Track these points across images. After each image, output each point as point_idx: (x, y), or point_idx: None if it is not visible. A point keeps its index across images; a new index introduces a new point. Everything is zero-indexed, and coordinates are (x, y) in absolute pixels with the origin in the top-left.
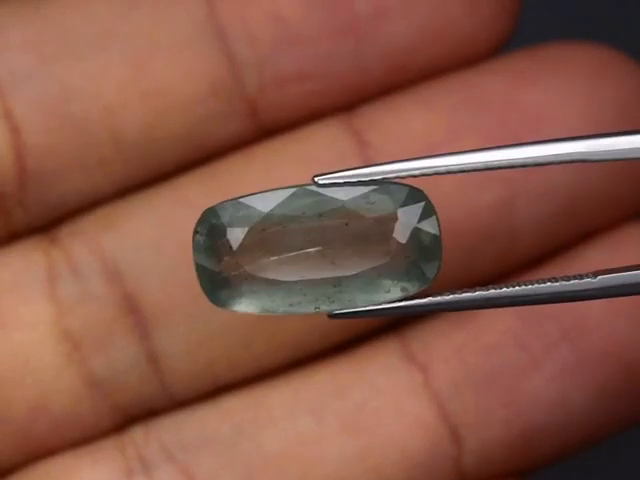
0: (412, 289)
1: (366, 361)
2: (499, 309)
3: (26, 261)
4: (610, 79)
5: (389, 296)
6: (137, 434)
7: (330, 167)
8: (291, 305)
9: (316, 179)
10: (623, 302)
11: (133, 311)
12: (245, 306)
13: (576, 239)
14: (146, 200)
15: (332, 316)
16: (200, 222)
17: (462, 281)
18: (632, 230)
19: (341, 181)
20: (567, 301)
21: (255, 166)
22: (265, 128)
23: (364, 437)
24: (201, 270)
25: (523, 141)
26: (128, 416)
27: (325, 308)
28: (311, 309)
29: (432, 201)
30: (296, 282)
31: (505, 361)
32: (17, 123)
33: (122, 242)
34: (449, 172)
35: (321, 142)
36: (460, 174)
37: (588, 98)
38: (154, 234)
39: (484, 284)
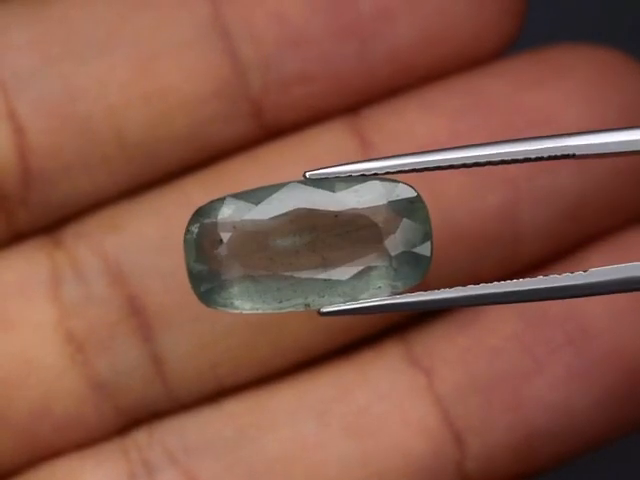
0: (402, 287)
1: (369, 364)
2: (501, 311)
3: (29, 263)
4: (614, 81)
5: (379, 293)
6: (140, 437)
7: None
8: (281, 302)
9: (307, 174)
10: (627, 307)
11: (136, 313)
12: (235, 305)
13: (580, 242)
14: (149, 201)
15: (322, 314)
16: (191, 222)
17: (465, 284)
18: (635, 233)
19: (331, 175)
20: (559, 297)
21: (259, 167)
22: (269, 129)
23: (367, 441)
24: (191, 270)
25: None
26: (131, 418)
27: (316, 305)
28: (301, 307)
29: (424, 198)
30: (286, 278)
31: (509, 365)
32: (21, 123)
33: (125, 244)
34: (438, 168)
35: (325, 143)
36: (450, 170)
37: (592, 100)
38: (157, 235)
39: None
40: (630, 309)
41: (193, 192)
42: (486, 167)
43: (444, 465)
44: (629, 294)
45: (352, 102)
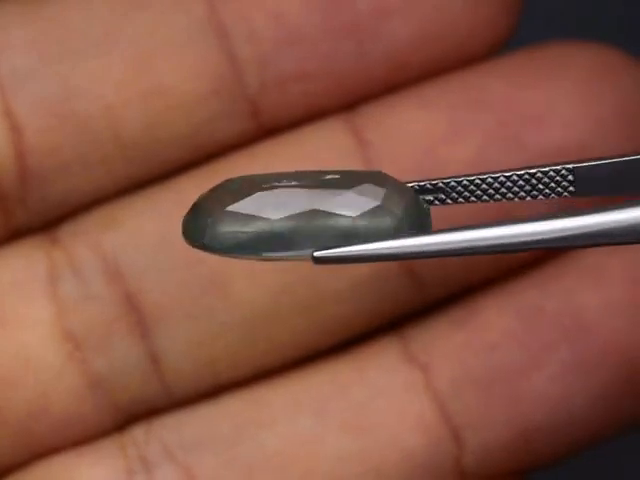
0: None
1: (367, 361)
2: (498, 306)
3: (27, 261)
4: (610, 78)
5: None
6: (138, 433)
7: (331, 167)
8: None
9: (315, 254)
10: (624, 301)
11: (134, 310)
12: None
13: None
14: (147, 200)
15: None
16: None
17: (462, 282)
18: None
19: (340, 256)
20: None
21: (256, 166)
22: (266, 128)
23: (365, 437)
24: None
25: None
26: (129, 415)
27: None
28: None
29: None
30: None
31: (505, 361)
32: (18, 122)
33: (123, 242)
34: (442, 255)
35: (322, 142)
36: (458, 257)
37: (588, 97)
38: (155, 234)
39: (483, 285)
40: (626, 303)
41: (191, 190)
42: (483, 162)
43: (442, 461)
44: (626, 287)
45: (349, 100)
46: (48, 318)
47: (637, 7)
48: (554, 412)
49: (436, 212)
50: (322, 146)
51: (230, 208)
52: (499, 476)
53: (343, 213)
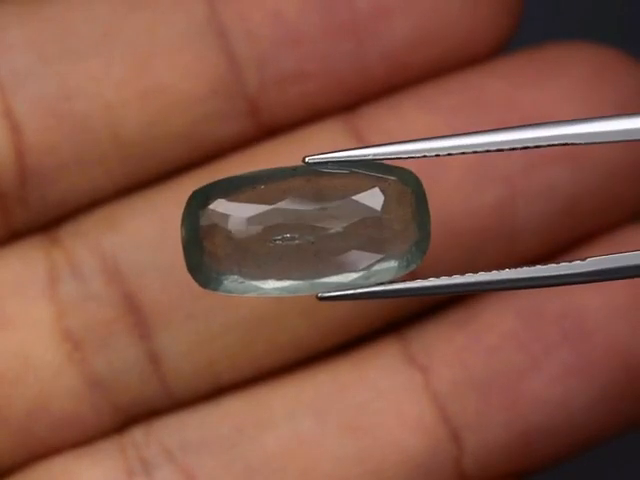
0: (397, 267)
1: (367, 362)
2: (498, 308)
3: (27, 261)
4: (610, 79)
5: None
6: (138, 434)
7: None
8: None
9: (307, 159)
10: (624, 303)
11: (134, 311)
12: (232, 288)
13: (576, 240)
14: (146, 200)
15: (320, 298)
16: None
17: None
18: (631, 231)
19: (331, 161)
20: (556, 284)
21: (255, 166)
22: (265, 128)
23: (364, 438)
24: (189, 256)
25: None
26: (129, 416)
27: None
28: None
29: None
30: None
31: (506, 362)
32: (17, 121)
33: (123, 242)
34: (437, 155)
35: (322, 142)
36: (448, 157)
37: (588, 98)
38: (155, 234)
39: None
40: (627, 306)
41: (190, 190)
42: (482, 163)
43: (441, 462)
44: (626, 290)
45: (348, 100)
46: (48, 318)
47: (637, 7)
48: (554, 414)
49: (433, 215)
50: (322, 147)
51: (233, 269)
52: (499, 477)
53: (343, 280)
